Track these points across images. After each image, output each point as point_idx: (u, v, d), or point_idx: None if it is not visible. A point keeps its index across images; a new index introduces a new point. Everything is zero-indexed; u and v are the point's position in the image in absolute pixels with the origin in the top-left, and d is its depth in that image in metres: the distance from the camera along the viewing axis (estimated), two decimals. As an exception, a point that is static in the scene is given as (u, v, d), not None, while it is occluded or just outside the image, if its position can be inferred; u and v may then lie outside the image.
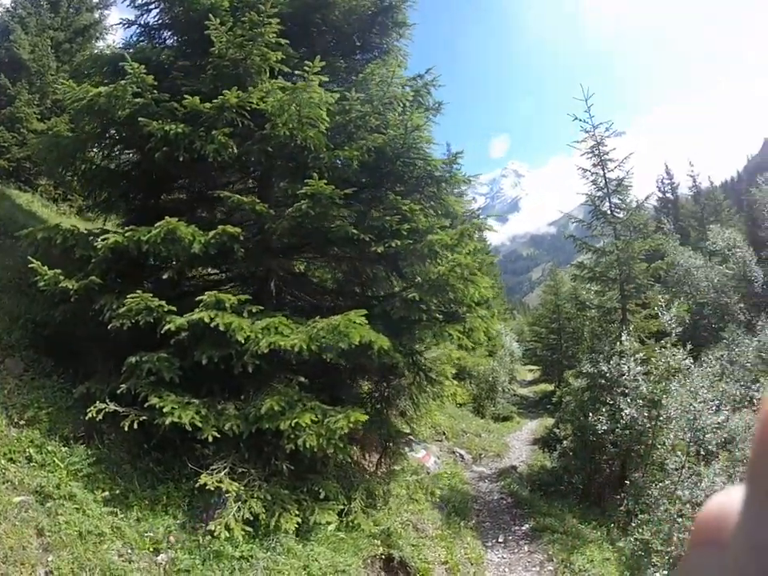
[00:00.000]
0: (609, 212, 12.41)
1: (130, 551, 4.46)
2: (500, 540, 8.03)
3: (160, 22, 7.88)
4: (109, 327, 4.94)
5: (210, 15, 6.03)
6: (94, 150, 6.77)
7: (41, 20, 15.47)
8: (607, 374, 10.20)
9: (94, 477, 4.96)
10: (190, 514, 4.99)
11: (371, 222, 5.88)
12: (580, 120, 12.55)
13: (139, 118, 5.41)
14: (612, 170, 12.37)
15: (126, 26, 8.39)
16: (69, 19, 16.40)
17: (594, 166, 12.48)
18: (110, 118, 5.85)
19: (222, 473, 5.03)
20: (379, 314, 5.93)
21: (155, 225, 4.95)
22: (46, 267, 5.12)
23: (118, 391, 4.97)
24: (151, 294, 4.86)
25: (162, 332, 4.87)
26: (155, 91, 5.65)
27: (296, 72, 6.02)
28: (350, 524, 5.88)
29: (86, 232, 5.57)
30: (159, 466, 5.33)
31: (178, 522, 4.85)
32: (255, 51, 5.91)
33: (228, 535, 4.69)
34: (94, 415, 4.90)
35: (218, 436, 4.90)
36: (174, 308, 4.91)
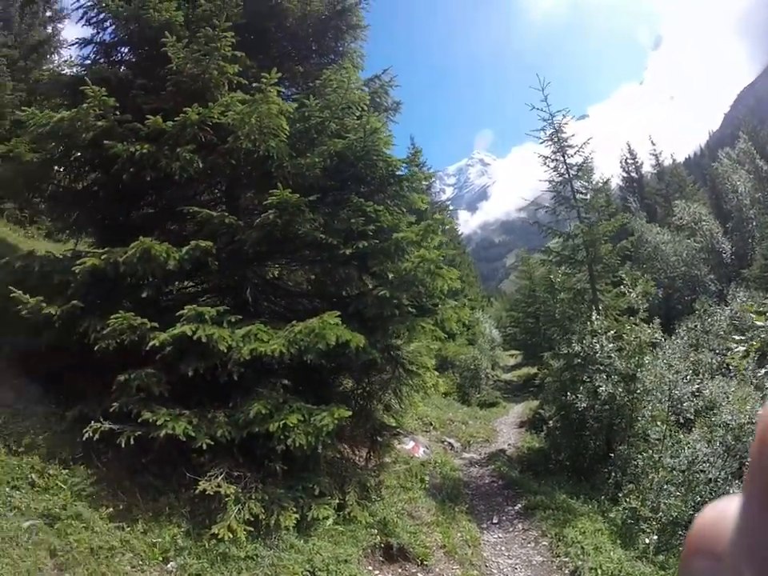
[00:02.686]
0: (571, 196, 12.81)
1: (140, 562, 4.63)
2: (494, 521, 8.25)
3: (116, 38, 7.80)
4: (96, 349, 5.04)
5: (166, 32, 6.13)
6: (61, 171, 6.79)
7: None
8: (581, 354, 10.53)
9: (97, 495, 5.11)
10: (193, 521, 5.16)
11: (338, 225, 6.06)
12: (538, 109, 12.94)
13: (104, 141, 5.51)
14: (572, 156, 12.79)
15: (82, 45, 8.28)
16: (22, 36, 16.24)
17: (554, 152, 12.89)
18: (74, 141, 5.90)
19: (219, 478, 5.20)
20: (353, 313, 6.11)
21: (130, 245, 5.07)
22: (27, 296, 5.19)
23: (111, 410, 5.07)
24: (133, 313, 4.98)
25: (147, 349, 4.99)
26: (117, 112, 5.75)
27: (254, 84, 6.15)
28: (347, 517, 6.07)
29: (61, 257, 5.66)
30: (158, 479, 5.49)
31: (182, 529, 5.01)
32: (212, 65, 6.02)
33: (232, 537, 4.87)
34: (91, 435, 5.02)
35: (212, 443, 5.05)
36: (156, 324, 5.03)
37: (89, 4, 7.26)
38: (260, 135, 5.75)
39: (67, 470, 5.24)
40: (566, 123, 12.90)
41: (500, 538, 7.68)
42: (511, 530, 7.92)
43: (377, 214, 6.21)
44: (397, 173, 6.92)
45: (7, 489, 4.87)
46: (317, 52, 8.45)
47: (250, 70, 6.70)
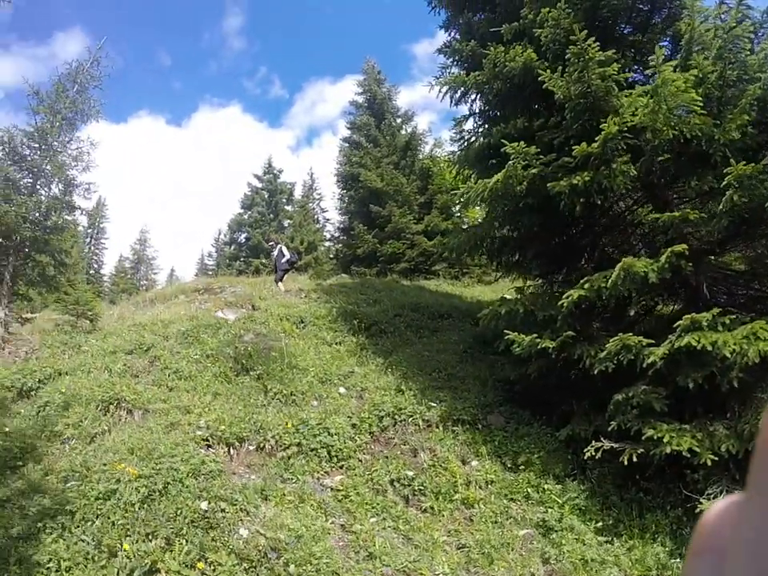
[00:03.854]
0: None
1: (625, 579, 4.66)
2: None
3: (486, 102, 8.44)
4: (595, 372, 5.39)
5: (537, 70, 6.35)
6: (505, 226, 7.77)
7: (372, 156, 20.89)
8: None
9: (587, 509, 5.46)
10: (678, 540, 4.95)
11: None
12: None
13: (547, 184, 5.94)
14: None
15: (463, 121, 9.01)
16: (391, 145, 21.47)
17: None
18: (507, 195, 6.57)
19: (721, 497, 4.74)
20: None
21: (615, 268, 5.27)
22: (522, 335, 5.97)
23: (609, 428, 5.31)
24: (630, 333, 5.12)
25: (644, 365, 5.04)
26: (541, 156, 6.17)
27: (645, 71, 5.77)
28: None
29: (537, 296, 6.39)
30: (646, 495, 5.49)
31: (666, 549, 4.86)
32: (593, 76, 5.88)
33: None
34: (593, 454, 5.36)
35: (716, 459, 4.71)
36: (653, 341, 5.04)
37: (446, 89, 8.13)
38: (677, 118, 5.32)
39: (560, 485, 5.77)
40: None
41: None
42: None
43: None
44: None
45: (505, 501, 5.67)
46: (651, 12, 7.40)
47: (617, 62, 6.39)
